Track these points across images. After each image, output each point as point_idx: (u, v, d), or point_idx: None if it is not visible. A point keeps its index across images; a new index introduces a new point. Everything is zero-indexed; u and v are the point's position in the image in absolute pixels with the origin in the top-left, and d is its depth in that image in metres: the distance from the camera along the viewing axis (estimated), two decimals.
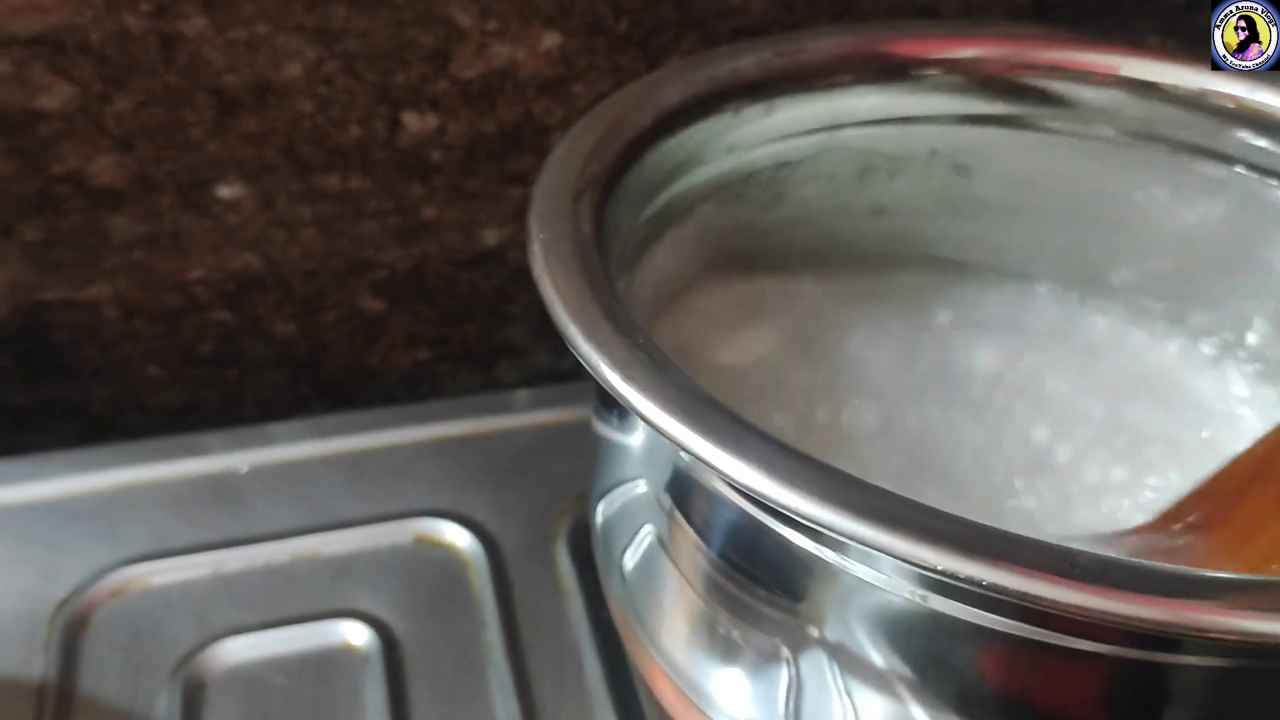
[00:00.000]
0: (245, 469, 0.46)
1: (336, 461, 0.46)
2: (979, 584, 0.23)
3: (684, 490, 0.29)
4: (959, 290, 0.42)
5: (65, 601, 0.40)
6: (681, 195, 0.37)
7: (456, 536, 0.43)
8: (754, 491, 0.22)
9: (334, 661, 0.39)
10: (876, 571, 0.26)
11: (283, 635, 0.40)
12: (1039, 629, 0.26)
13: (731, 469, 0.23)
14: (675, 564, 0.29)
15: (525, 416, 0.49)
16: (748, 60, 0.38)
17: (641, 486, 0.30)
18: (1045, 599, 0.23)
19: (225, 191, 0.48)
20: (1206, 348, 0.41)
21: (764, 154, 0.39)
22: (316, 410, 0.54)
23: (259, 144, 0.48)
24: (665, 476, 0.29)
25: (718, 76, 0.37)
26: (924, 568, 0.23)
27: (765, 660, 0.29)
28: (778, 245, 0.41)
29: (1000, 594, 0.23)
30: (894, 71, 0.39)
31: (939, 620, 0.27)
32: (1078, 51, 0.38)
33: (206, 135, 0.47)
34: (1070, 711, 0.28)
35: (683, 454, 0.24)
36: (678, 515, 0.29)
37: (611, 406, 0.32)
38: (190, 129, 0.47)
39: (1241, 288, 0.40)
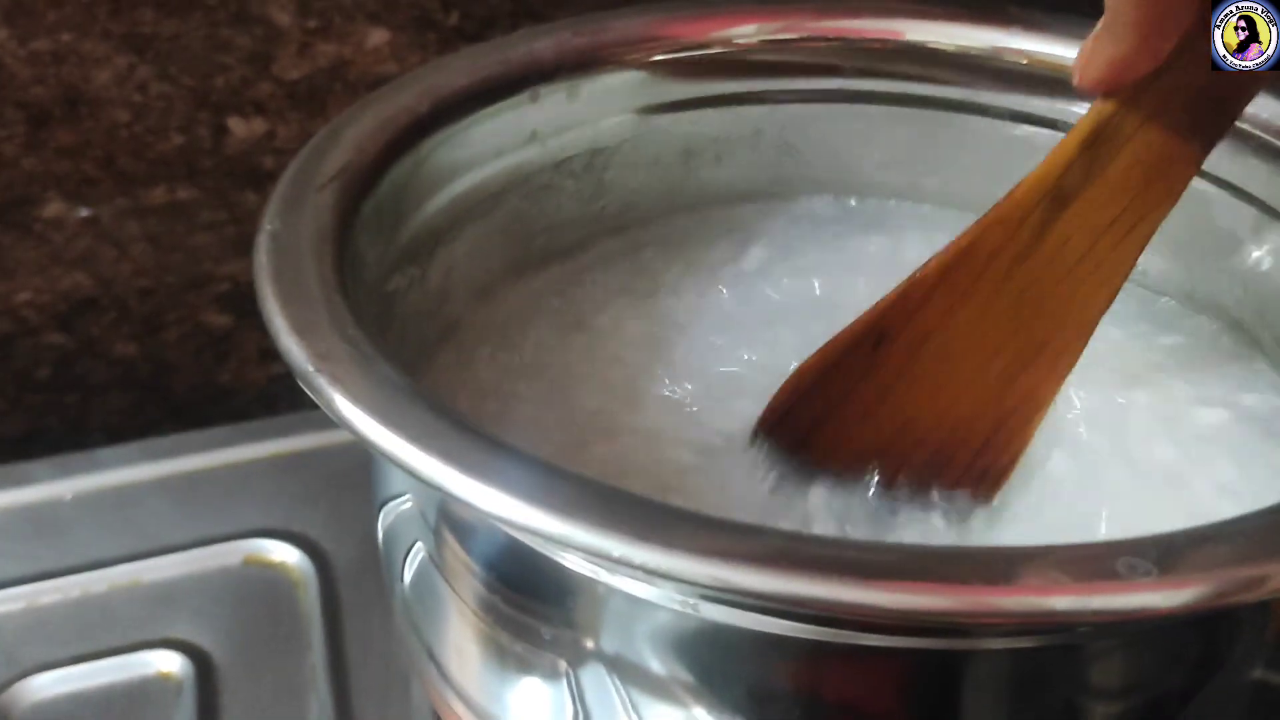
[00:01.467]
0: (69, 497, 0.44)
1: (167, 484, 0.44)
2: (730, 591, 0.22)
3: (443, 505, 0.27)
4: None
5: None
6: (480, 186, 0.35)
7: (287, 555, 0.41)
8: (444, 489, 0.21)
9: (146, 694, 0.37)
10: (643, 585, 0.25)
11: (94, 668, 0.37)
12: (815, 627, 0.24)
13: (420, 465, 0.21)
14: (447, 581, 0.28)
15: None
16: (544, 42, 0.36)
17: (408, 502, 0.28)
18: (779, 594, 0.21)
19: (46, 209, 0.46)
20: None
21: (573, 139, 0.37)
22: (169, 433, 0.52)
23: (76, 157, 0.46)
24: (424, 490, 0.27)
25: (510, 59, 0.35)
26: (664, 575, 0.22)
27: (546, 677, 0.27)
28: (601, 236, 0.40)
29: (743, 595, 0.22)
30: (702, 49, 0.37)
31: (713, 629, 0.25)
32: (873, 19, 0.36)
33: (19, 151, 0.45)
34: (860, 704, 0.26)
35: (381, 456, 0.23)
36: (444, 532, 0.27)
37: None
38: (2, 145, 0.45)
39: None
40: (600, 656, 0.26)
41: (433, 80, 0.34)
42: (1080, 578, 0.19)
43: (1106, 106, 0.27)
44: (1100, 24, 0.25)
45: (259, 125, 0.47)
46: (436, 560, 0.28)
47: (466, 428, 0.22)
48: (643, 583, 0.24)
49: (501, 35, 0.47)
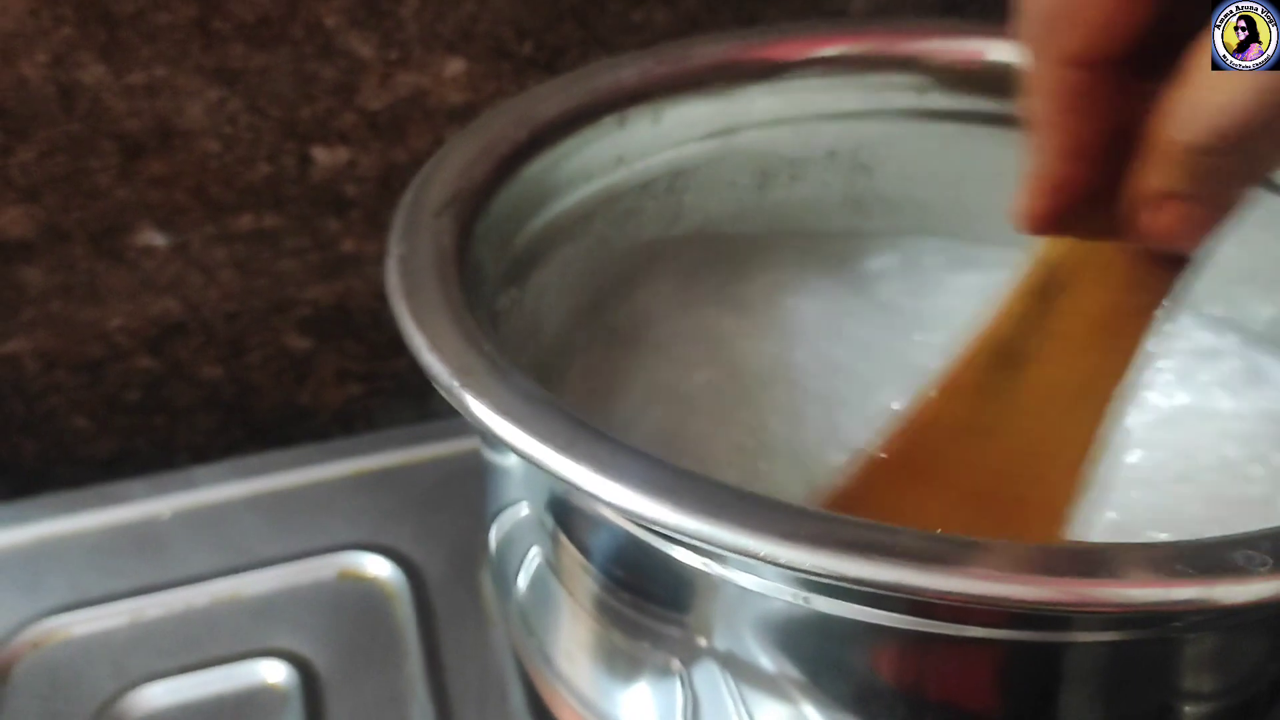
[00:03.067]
0: (168, 515, 0.45)
1: (260, 501, 0.45)
2: (850, 580, 0.23)
3: (562, 509, 0.28)
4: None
5: None
6: (570, 211, 0.37)
7: (379, 569, 0.42)
8: (592, 493, 0.22)
9: (253, 702, 0.38)
10: (755, 577, 0.26)
11: (201, 679, 0.39)
12: (922, 620, 0.25)
13: (566, 469, 0.22)
14: (563, 584, 0.29)
15: (447, 445, 0.48)
16: (630, 70, 0.37)
17: (525, 509, 0.29)
18: (901, 585, 0.22)
19: (138, 237, 0.48)
20: None
21: (656, 163, 0.38)
22: (251, 452, 0.53)
23: (168, 187, 0.47)
24: (543, 496, 0.28)
25: (598, 87, 0.36)
26: (787, 567, 0.23)
27: (659, 675, 0.28)
28: (683, 259, 0.41)
29: (869, 587, 0.23)
30: (780, 72, 0.38)
31: (824, 621, 0.26)
32: (961, 40, 0.37)
33: (114, 181, 0.47)
34: (965, 699, 0.27)
35: (526, 461, 0.24)
36: (560, 535, 0.28)
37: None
38: (96, 176, 0.46)
39: None
40: (712, 653, 0.27)
41: (527, 108, 0.35)
42: (1204, 570, 0.20)
43: (1049, 251, 0.26)
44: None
45: (342, 154, 0.48)
46: (553, 564, 0.29)
47: (603, 434, 0.23)
48: (758, 576, 0.25)
49: (572, 63, 0.49)
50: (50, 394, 0.50)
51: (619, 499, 0.22)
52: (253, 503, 0.45)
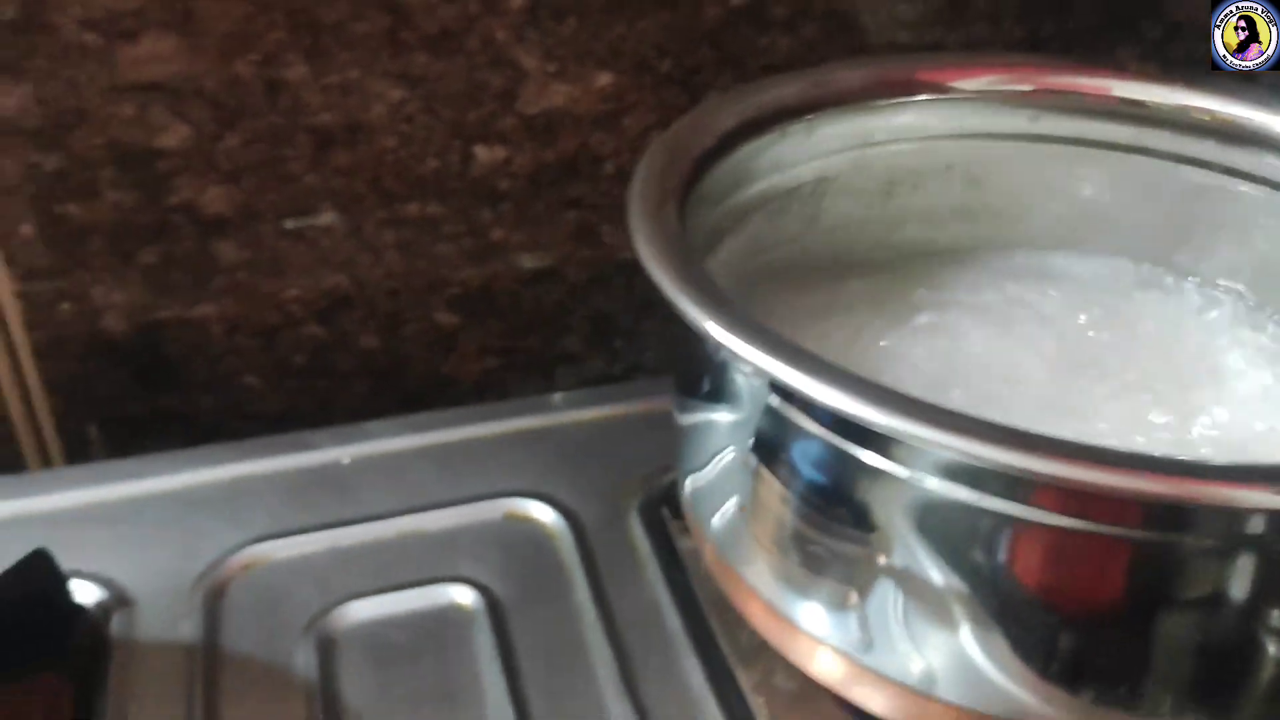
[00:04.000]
0: (347, 461, 0.51)
1: (427, 453, 0.51)
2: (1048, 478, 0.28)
3: (765, 427, 0.34)
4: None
5: (202, 575, 0.45)
6: (735, 207, 0.43)
7: (541, 513, 0.48)
8: (826, 405, 0.28)
9: (446, 619, 0.44)
10: (933, 477, 0.31)
11: (398, 598, 0.44)
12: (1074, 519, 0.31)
13: (798, 381, 0.28)
14: (762, 497, 0.34)
15: (587, 412, 0.54)
16: (790, 88, 0.43)
17: (727, 432, 0.35)
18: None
19: (320, 219, 0.54)
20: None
21: (805, 170, 0.44)
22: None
23: (349, 176, 0.53)
24: (748, 417, 0.34)
25: (764, 103, 0.42)
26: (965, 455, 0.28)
27: (846, 571, 0.34)
28: (815, 255, 0.47)
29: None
30: (912, 94, 0.44)
31: (1001, 522, 0.31)
32: (1073, 75, 0.44)
33: (304, 169, 0.53)
34: (1143, 602, 0.32)
35: (752, 374, 0.29)
36: (761, 450, 0.34)
37: (703, 368, 0.37)
38: (290, 163, 0.52)
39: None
40: (890, 570, 0.33)
41: (710, 120, 0.41)
42: None
43: None
44: None
45: (500, 153, 0.54)
46: (750, 502, 0.35)
47: (832, 365, 0.29)
48: (947, 480, 0.30)
49: (706, 81, 0.55)
50: (229, 356, 0.56)
51: (840, 402, 0.28)
52: (421, 453, 0.51)
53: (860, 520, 0.32)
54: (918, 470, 0.31)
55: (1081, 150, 0.45)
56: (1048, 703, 0.32)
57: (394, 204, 0.54)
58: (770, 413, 0.33)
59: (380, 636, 0.43)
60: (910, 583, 0.33)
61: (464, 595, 0.44)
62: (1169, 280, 0.46)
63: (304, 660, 0.42)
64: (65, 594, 0.43)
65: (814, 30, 0.55)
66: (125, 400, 0.55)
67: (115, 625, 0.43)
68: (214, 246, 0.53)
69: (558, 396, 0.55)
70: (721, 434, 0.36)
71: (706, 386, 0.36)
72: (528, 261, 0.57)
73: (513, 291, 0.58)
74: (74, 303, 0.52)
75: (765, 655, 0.41)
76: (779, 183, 0.44)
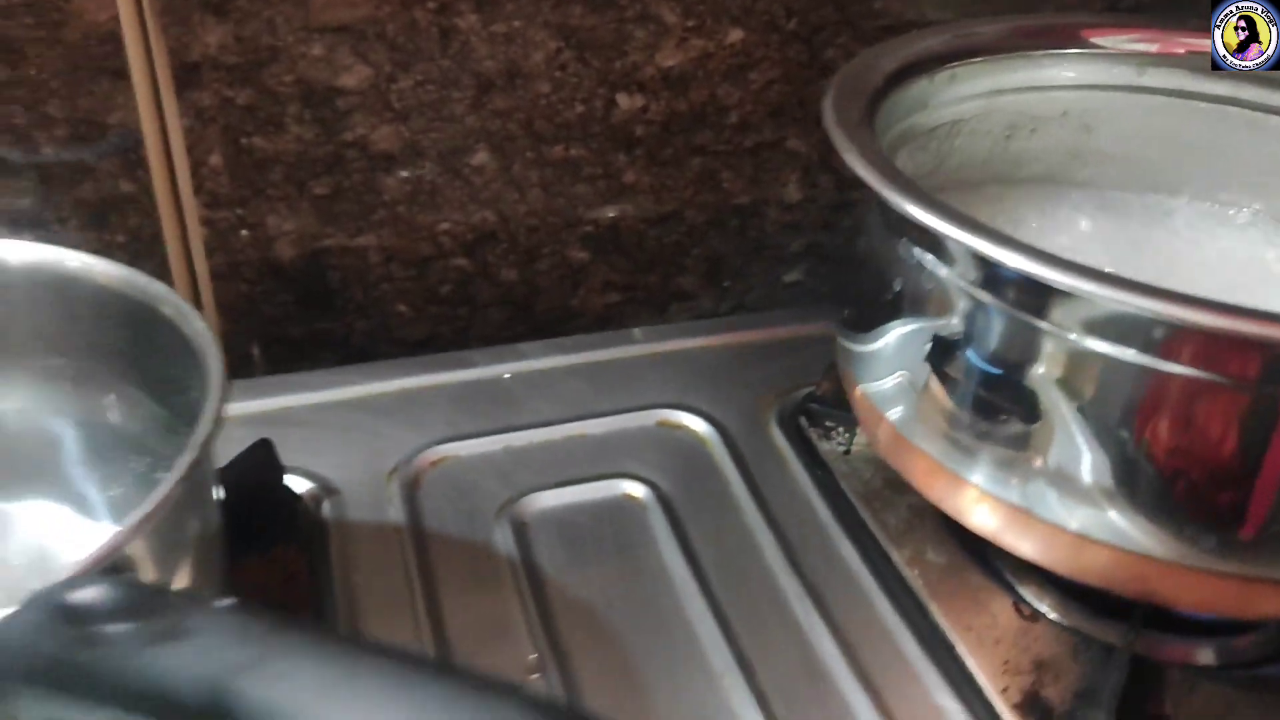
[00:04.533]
0: (507, 376, 0.56)
1: (575, 370, 0.56)
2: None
3: (948, 308, 0.39)
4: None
5: (395, 470, 0.49)
6: (887, 142, 0.48)
7: (691, 422, 0.53)
8: (1002, 263, 0.33)
9: (623, 508, 0.49)
10: (1093, 337, 0.36)
11: (575, 490, 0.49)
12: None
13: (970, 240, 0.34)
14: (940, 370, 0.39)
15: (712, 339, 0.59)
16: (936, 40, 0.49)
17: (907, 319, 0.40)
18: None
19: (475, 158, 0.59)
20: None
21: (946, 113, 0.49)
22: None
23: (505, 118, 0.58)
24: (930, 301, 0.39)
25: (917, 50, 0.48)
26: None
27: (1009, 430, 0.39)
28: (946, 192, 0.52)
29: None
30: (1037, 48, 0.50)
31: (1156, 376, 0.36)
32: (1176, 35, 0.49)
33: (466, 110, 0.57)
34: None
35: (922, 245, 0.34)
36: (942, 332, 0.39)
37: (887, 259, 0.42)
38: (454, 105, 0.57)
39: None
40: (1058, 399, 0.38)
41: (876, 64, 0.46)
42: None
43: None
44: None
45: (638, 100, 0.59)
46: (926, 379, 0.40)
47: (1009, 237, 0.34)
48: (1114, 343, 0.35)
49: (826, 40, 0.60)
50: (383, 283, 0.60)
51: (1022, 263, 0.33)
52: (571, 371, 0.56)
53: (1024, 383, 0.38)
54: (1083, 332, 0.36)
55: (1182, 101, 0.50)
56: (1187, 543, 0.38)
57: (541, 146, 0.59)
58: (955, 293, 0.38)
59: (567, 521, 0.48)
60: (1066, 437, 0.38)
61: (634, 489, 0.49)
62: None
63: (501, 538, 0.47)
64: (284, 481, 0.47)
65: None
66: (287, 322, 0.60)
67: (327, 510, 0.48)
68: (379, 180, 0.57)
69: (682, 325, 0.60)
70: (901, 322, 0.41)
71: (888, 275, 0.42)
72: (653, 203, 0.62)
73: (638, 231, 0.63)
74: (251, 230, 0.57)
75: (914, 536, 0.47)
76: (921, 122, 0.49)
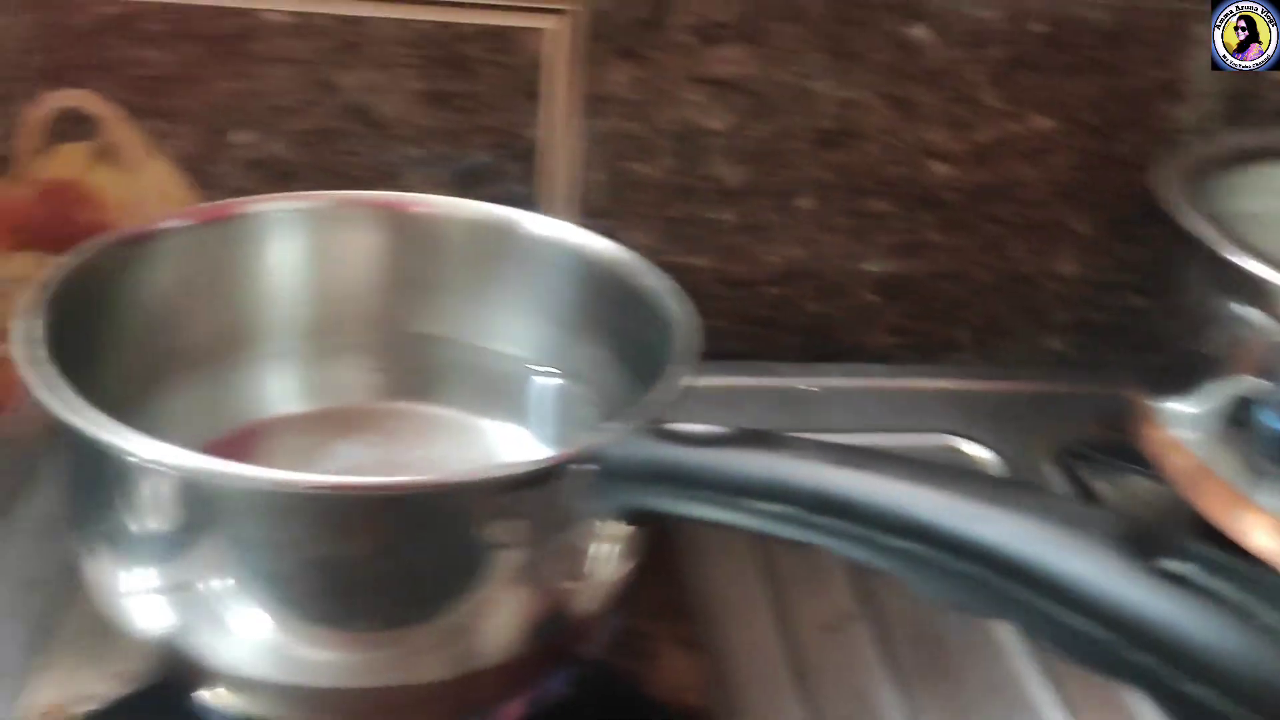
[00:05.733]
0: (816, 389, 0.64)
1: (871, 392, 0.64)
2: None
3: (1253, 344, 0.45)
4: None
5: None
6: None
7: (975, 450, 0.60)
8: None
9: None
10: None
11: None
12: None
13: None
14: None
15: (990, 384, 0.66)
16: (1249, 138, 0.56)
17: (1216, 358, 0.47)
18: None
19: (800, 201, 0.68)
20: None
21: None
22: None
23: (833, 170, 0.66)
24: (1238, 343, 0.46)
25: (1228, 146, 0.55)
26: None
27: None
28: None
29: None
30: None
31: None
32: None
33: (802, 159, 0.66)
34: None
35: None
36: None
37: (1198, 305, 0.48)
38: (793, 154, 0.66)
39: None
40: None
41: (1193, 155, 0.53)
42: None
43: None
44: None
45: (948, 170, 0.67)
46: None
47: None
48: None
49: (1120, 135, 0.67)
50: (709, 300, 0.69)
51: None
52: (867, 391, 0.64)
53: None
54: None
55: None
56: None
57: (858, 198, 0.67)
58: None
59: None
60: None
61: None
62: None
63: None
64: None
65: (1210, 104, 0.67)
66: None
67: None
68: (720, 211, 0.67)
69: (960, 368, 0.67)
70: (1210, 360, 0.48)
71: (1206, 328, 0.48)
72: (945, 261, 0.70)
73: (927, 284, 0.70)
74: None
75: None
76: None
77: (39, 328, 0.34)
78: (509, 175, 0.64)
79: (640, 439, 0.34)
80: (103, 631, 0.40)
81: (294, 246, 0.45)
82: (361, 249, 0.47)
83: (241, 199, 0.45)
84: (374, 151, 0.62)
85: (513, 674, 0.36)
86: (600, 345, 0.46)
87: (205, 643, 0.33)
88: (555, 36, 0.61)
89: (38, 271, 0.59)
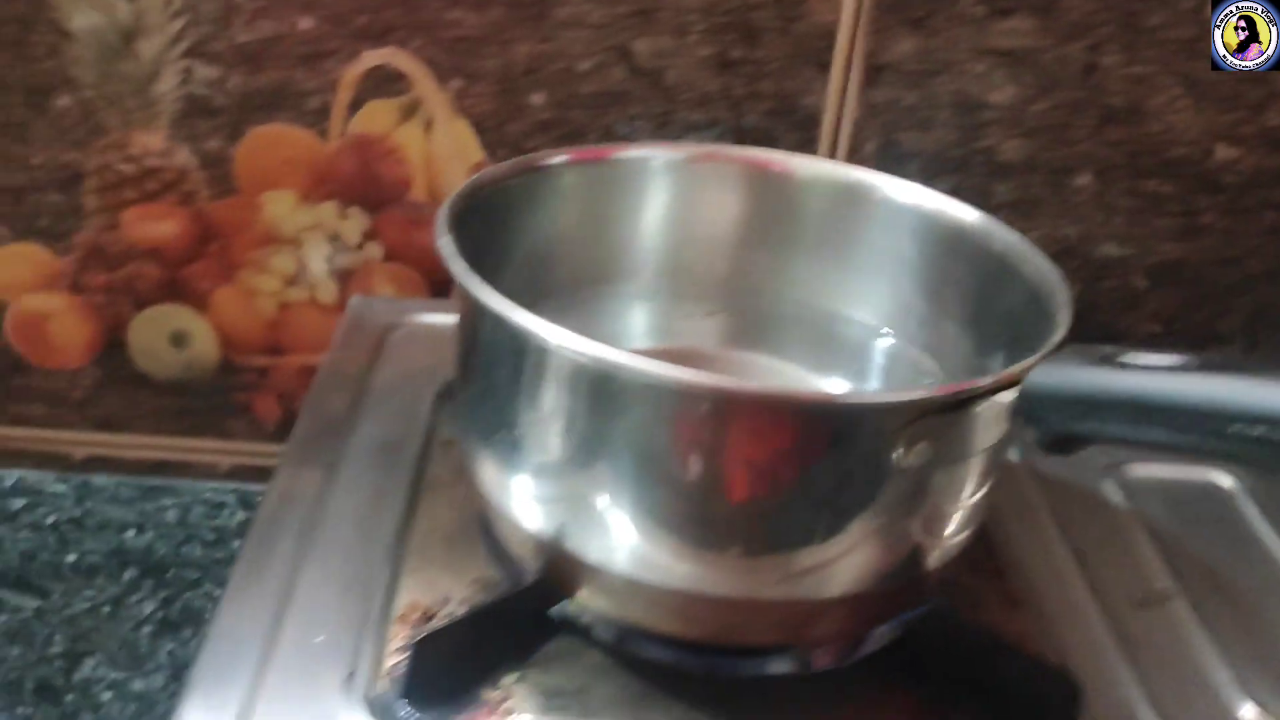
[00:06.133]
0: None
1: None
2: None
3: None
4: None
5: None
6: None
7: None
8: None
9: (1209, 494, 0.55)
10: None
11: (1163, 468, 0.56)
12: None
13: None
14: None
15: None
16: None
17: None
18: None
19: (1077, 179, 0.66)
20: None
21: None
22: None
23: (1115, 149, 0.65)
24: None
25: None
26: None
27: None
28: None
29: None
30: None
31: None
32: None
33: (1084, 136, 0.65)
34: None
35: None
36: None
37: None
38: (1076, 130, 0.65)
39: None
40: None
41: None
42: None
43: None
44: None
45: (1234, 152, 0.65)
46: None
47: None
48: None
49: None
50: None
51: None
52: None
53: None
54: None
55: None
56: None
57: (1138, 178, 0.66)
58: None
59: (1167, 493, 0.54)
60: None
61: (1222, 479, 0.55)
62: None
63: (1110, 490, 0.53)
64: None
65: None
66: None
67: None
68: (992, 186, 0.66)
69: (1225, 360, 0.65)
70: None
71: None
72: (1221, 246, 0.67)
73: (1200, 270, 0.68)
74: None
75: None
76: None
77: (450, 242, 0.36)
78: (782, 143, 0.65)
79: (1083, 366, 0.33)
80: (452, 541, 0.42)
81: (660, 193, 0.47)
82: (721, 201, 0.48)
83: (617, 144, 0.47)
84: (656, 116, 0.64)
85: (871, 605, 0.36)
86: (947, 313, 0.46)
87: (586, 545, 0.34)
88: (846, 6, 0.61)
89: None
